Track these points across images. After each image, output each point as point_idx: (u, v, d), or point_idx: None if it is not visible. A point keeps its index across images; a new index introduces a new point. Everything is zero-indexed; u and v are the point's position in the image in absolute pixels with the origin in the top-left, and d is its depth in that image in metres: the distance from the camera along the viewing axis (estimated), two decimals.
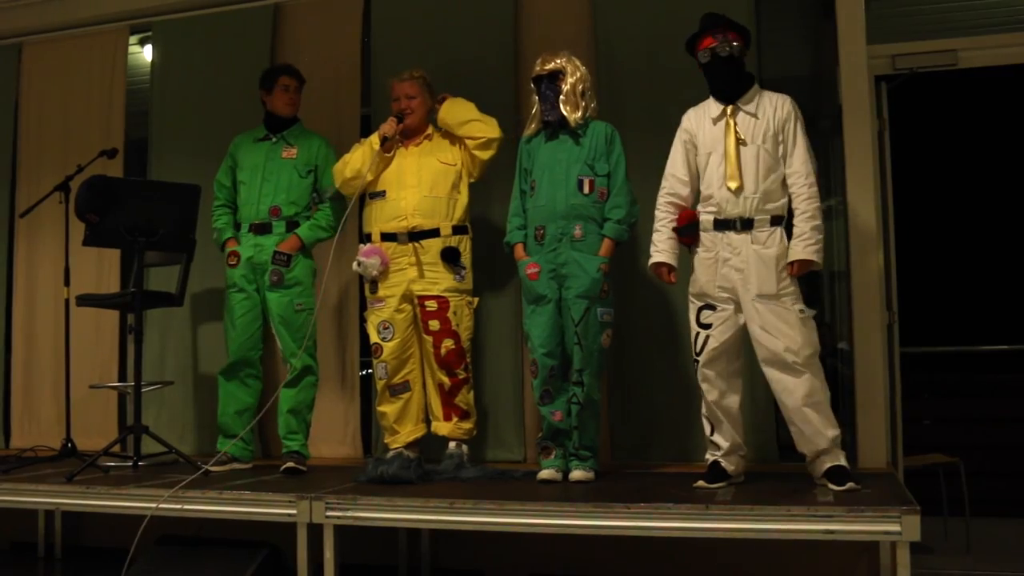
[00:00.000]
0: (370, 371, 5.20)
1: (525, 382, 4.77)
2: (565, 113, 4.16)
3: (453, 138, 4.53)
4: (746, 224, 3.76)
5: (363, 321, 4.66)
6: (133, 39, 6.06)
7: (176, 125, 5.74)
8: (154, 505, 3.91)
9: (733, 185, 3.76)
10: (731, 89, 3.88)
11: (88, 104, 5.98)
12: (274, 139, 4.84)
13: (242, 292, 4.74)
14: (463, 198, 4.50)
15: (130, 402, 4.76)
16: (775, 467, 4.34)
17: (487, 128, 4.43)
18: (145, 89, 5.98)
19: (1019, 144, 7.08)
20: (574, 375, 4.09)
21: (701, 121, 3.95)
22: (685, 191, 3.96)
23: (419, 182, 4.45)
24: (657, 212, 4.02)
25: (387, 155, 4.50)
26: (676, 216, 3.95)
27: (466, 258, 4.47)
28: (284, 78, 4.86)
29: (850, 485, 3.57)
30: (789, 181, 3.79)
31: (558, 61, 4.20)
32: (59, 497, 4.17)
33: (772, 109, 3.83)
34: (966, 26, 5.10)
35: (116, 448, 4.71)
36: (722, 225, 3.80)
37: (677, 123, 4.79)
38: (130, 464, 4.69)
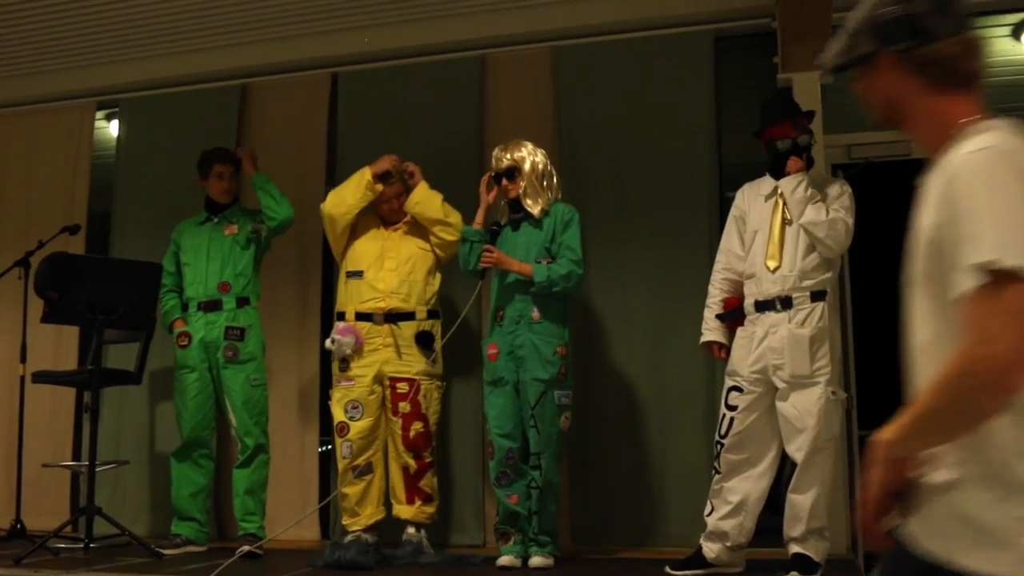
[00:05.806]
0: (328, 448, 5.14)
1: (486, 466, 4.73)
2: (528, 208, 4.22)
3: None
4: (785, 303, 3.70)
5: (323, 399, 4.62)
6: (100, 115, 6.08)
7: (140, 201, 5.74)
8: None
9: (772, 265, 3.74)
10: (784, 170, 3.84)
11: (52, 179, 5.97)
12: (216, 219, 4.88)
13: (194, 372, 4.71)
14: (436, 283, 4.54)
15: (84, 482, 4.68)
16: (751, 553, 4.28)
17: (449, 233, 4.46)
18: (110, 164, 5.98)
19: None
20: (532, 459, 4.07)
21: (753, 198, 3.91)
22: (741, 266, 3.91)
23: (398, 265, 4.47)
24: (711, 288, 4.00)
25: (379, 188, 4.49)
26: (727, 294, 3.93)
27: (437, 342, 4.47)
28: (218, 166, 4.88)
29: None
30: None
31: (510, 156, 4.25)
32: None
33: (820, 190, 3.78)
34: None
35: (68, 529, 4.61)
36: (763, 306, 3.75)
37: (640, 202, 4.89)
38: (81, 546, 4.57)
